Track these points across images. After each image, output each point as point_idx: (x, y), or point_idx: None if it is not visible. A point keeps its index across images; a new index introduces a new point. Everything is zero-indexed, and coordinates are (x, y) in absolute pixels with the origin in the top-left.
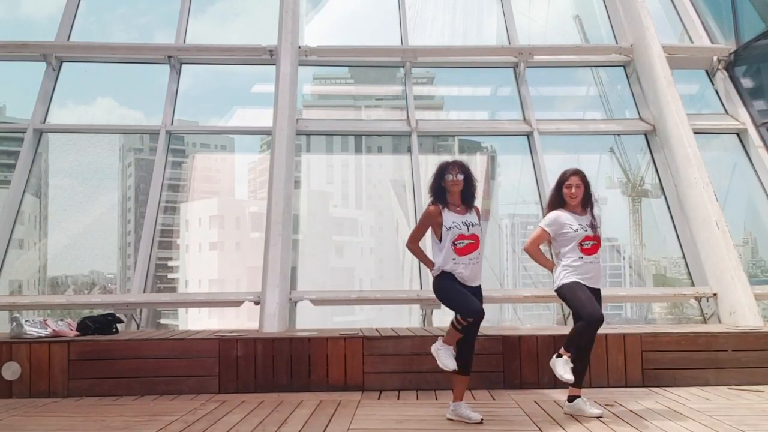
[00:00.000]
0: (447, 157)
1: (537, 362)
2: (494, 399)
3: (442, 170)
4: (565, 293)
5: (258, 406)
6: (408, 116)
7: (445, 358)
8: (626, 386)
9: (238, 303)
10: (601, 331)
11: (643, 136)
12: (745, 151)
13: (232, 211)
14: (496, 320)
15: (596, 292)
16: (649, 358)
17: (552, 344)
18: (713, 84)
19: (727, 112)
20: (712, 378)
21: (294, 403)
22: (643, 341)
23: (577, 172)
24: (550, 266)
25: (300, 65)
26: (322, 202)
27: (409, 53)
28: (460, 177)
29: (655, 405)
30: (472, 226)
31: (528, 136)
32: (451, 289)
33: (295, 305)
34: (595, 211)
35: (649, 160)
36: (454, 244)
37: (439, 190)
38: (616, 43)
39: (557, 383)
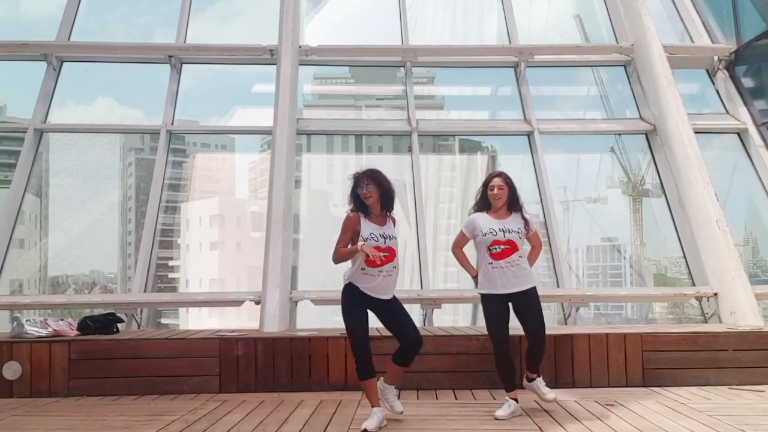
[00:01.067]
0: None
1: None
2: (495, 399)
3: (354, 185)
4: (482, 304)
5: (258, 406)
6: (408, 116)
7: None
8: (627, 386)
9: (238, 303)
10: (601, 330)
11: (644, 136)
12: (746, 151)
13: (233, 210)
14: None
15: (523, 294)
16: (650, 357)
17: (552, 344)
18: (714, 83)
19: (727, 112)
20: (712, 378)
21: (294, 402)
22: (644, 341)
23: (500, 174)
24: (472, 273)
25: (300, 65)
26: (323, 201)
27: (409, 53)
28: (370, 188)
29: (656, 405)
30: (390, 238)
31: (528, 135)
32: (348, 310)
33: (296, 305)
34: (526, 215)
35: (650, 159)
36: (366, 255)
37: (357, 200)
38: (617, 42)
39: (557, 383)
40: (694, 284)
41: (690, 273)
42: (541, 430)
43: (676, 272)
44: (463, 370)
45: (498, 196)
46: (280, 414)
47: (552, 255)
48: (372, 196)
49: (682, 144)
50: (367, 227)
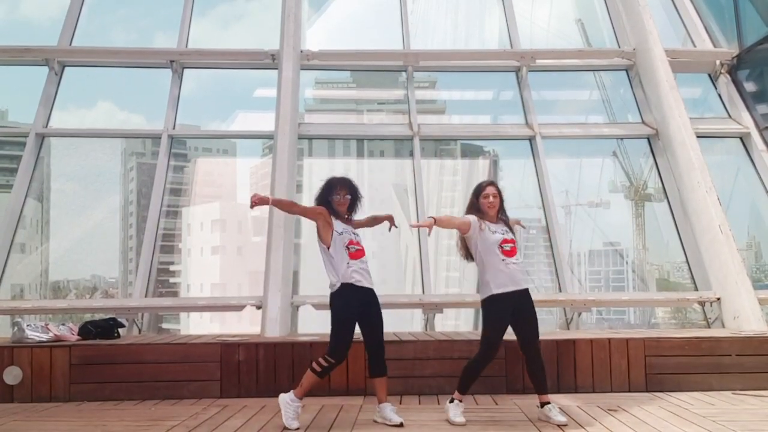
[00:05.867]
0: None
1: None
2: (497, 404)
3: (330, 189)
4: (488, 307)
5: (260, 411)
6: (410, 120)
7: (292, 417)
8: (630, 391)
9: (239, 307)
10: (604, 335)
11: (646, 140)
12: (749, 155)
13: (234, 215)
14: None
15: (526, 293)
16: (653, 362)
17: (555, 349)
18: (716, 88)
19: (730, 116)
20: (715, 383)
21: None
22: (647, 346)
23: (493, 183)
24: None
25: (302, 69)
26: None
27: (411, 57)
28: (348, 197)
29: (659, 410)
30: (357, 235)
31: (530, 140)
32: (343, 317)
33: (297, 309)
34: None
35: (652, 164)
36: (347, 248)
37: (327, 204)
38: (619, 46)
39: (560, 388)
40: (696, 289)
41: (693, 278)
42: None
43: (678, 277)
44: None
45: (493, 205)
46: (281, 419)
47: (554, 259)
48: (345, 203)
49: (685, 148)
50: (338, 224)
